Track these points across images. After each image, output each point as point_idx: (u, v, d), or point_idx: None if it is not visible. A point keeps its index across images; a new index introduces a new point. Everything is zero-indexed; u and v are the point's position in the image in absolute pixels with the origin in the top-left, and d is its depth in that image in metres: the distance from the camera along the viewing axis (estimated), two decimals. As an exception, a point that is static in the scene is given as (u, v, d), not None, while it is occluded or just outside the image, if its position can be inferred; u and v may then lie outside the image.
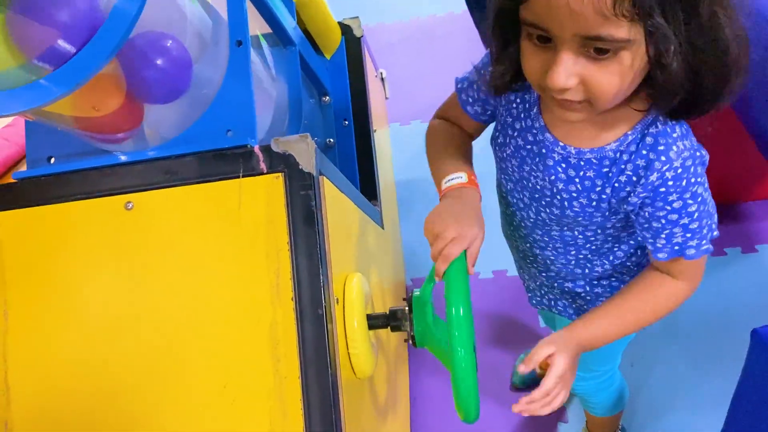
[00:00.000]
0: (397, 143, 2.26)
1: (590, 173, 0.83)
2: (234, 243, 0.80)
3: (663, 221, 0.80)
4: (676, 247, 0.82)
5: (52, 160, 0.90)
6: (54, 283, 0.81)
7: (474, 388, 0.76)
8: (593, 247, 0.95)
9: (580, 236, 0.93)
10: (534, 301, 1.14)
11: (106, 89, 0.79)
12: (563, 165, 0.84)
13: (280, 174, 0.80)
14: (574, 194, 0.85)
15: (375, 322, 0.90)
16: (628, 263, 0.97)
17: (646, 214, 0.81)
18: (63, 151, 0.90)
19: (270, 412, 0.76)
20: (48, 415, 0.80)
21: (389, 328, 0.90)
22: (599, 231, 0.91)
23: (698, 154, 0.78)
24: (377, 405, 1.04)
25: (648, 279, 0.88)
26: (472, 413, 0.77)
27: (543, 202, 0.90)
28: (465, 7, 1.72)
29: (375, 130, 1.53)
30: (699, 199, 0.79)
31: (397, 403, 1.34)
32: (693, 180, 0.78)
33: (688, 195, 0.78)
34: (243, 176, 0.81)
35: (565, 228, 0.93)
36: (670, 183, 0.77)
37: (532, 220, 0.95)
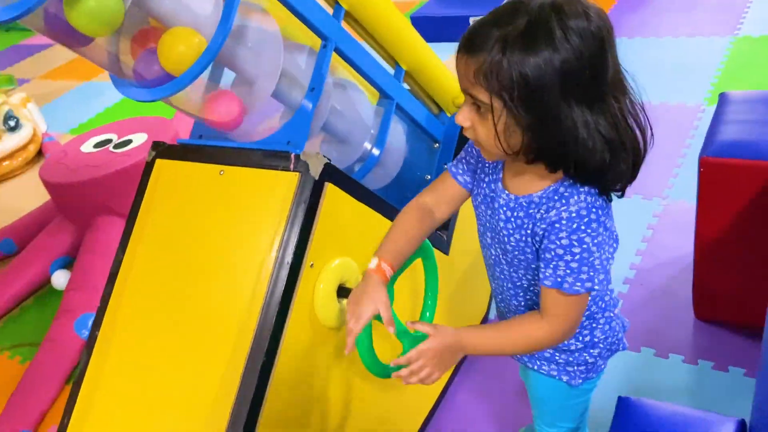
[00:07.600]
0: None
1: (521, 214, 1.06)
2: (260, 209, 1.27)
3: (552, 253, 1.01)
4: (558, 279, 1.01)
5: (201, 137, 1.47)
6: (157, 223, 1.38)
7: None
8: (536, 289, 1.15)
9: (524, 277, 1.14)
10: (516, 356, 1.33)
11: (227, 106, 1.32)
12: (505, 208, 1.09)
13: (298, 173, 1.25)
14: (511, 230, 1.08)
15: (342, 292, 1.30)
16: None
17: (542, 245, 1.03)
18: (208, 133, 1.47)
19: (239, 329, 1.21)
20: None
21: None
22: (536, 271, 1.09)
23: (593, 210, 0.98)
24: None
25: (527, 313, 1.11)
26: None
27: (497, 239, 1.13)
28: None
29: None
30: (584, 246, 0.98)
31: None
32: (582, 228, 0.98)
33: (575, 237, 0.98)
34: (281, 170, 1.27)
35: (512, 268, 1.14)
36: (564, 222, 0.98)
37: (493, 257, 1.18)
